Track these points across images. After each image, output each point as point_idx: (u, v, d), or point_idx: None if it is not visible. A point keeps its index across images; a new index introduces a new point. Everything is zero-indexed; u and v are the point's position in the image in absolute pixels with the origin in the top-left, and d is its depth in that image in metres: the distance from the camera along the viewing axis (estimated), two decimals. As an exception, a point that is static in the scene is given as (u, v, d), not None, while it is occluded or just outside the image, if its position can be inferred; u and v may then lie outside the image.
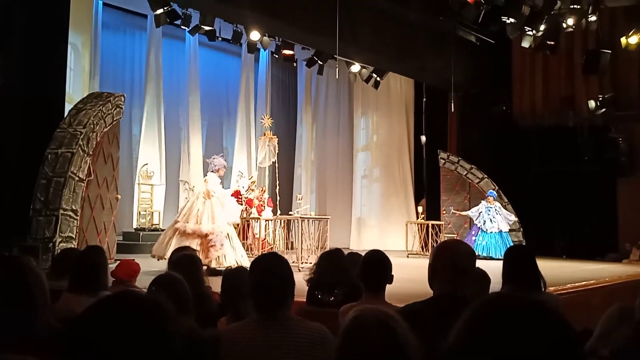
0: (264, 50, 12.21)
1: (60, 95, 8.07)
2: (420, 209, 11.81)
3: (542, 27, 9.61)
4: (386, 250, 11.97)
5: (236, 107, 12.60)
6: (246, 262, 6.94)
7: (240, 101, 12.54)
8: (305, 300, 3.58)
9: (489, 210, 10.59)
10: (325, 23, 9.16)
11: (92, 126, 7.33)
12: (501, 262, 2.98)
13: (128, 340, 0.86)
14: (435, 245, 10.86)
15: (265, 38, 10.33)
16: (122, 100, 7.99)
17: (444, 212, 11.92)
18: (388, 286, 2.88)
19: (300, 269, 7.46)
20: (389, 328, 1.25)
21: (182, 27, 10.10)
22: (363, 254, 3.26)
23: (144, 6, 9.52)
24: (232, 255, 7.19)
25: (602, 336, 2.01)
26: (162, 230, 10.40)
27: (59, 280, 3.69)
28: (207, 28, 9.72)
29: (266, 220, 9.53)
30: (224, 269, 6.90)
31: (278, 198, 10.54)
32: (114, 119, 7.86)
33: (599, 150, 11.41)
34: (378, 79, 11.74)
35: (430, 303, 1.97)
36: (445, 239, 11.04)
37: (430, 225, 11.27)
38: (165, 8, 9.05)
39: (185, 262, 3.28)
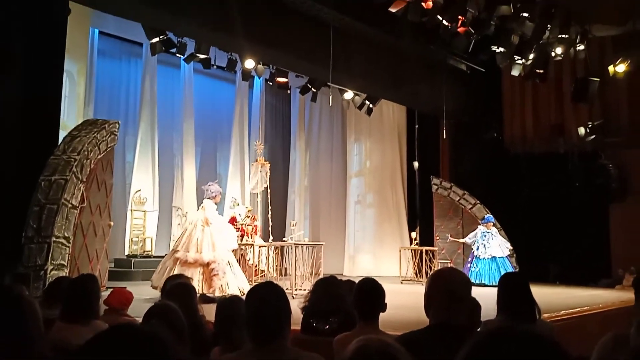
0: (258, 78, 12.35)
1: (55, 122, 8.09)
2: (413, 234, 11.81)
3: (531, 56, 9.81)
4: (380, 276, 11.90)
5: (230, 134, 12.66)
6: (247, 288, 6.88)
7: (234, 128, 12.61)
8: (299, 328, 3.56)
9: (484, 236, 10.56)
10: (319, 51, 9.31)
11: (86, 153, 7.33)
12: (492, 288, 2.98)
13: None
14: (429, 271, 10.88)
15: (260, 66, 10.46)
16: (117, 127, 8.02)
17: (438, 237, 11.93)
18: (383, 313, 2.87)
19: (294, 295, 7.41)
20: (392, 357, 1.25)
21: (177, 55, 10.22)
22: (357, 280, 3.26)
23: (140, 34, 9.64)
24: (234, 282, 7.13)
25: (597, 365, 2.01)
26: (155, 257, 10.35)
27: (51, 309, 3.66)
28: (202, 56, 9.83)
29: (259, 247, 9.49)
30: (217, 296, 6.86)
31: (270, 224, 10.52)
32: (108, 145, 7.87)
33: (589, 176, 11.53)
34: (371, 106, 11.88)
35: (426, 332, 1.97)
36: (439, 264, 11.03)
37: (423, 251, 11.27)
38: (160, 37, 9.18)
39: (180, 290, 3.26)
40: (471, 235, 10.79)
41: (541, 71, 10.26)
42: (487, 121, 12.56)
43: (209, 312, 3.32)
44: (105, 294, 4.31)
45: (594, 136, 11.22)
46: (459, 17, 8.41)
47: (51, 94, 7.84)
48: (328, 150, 14.16)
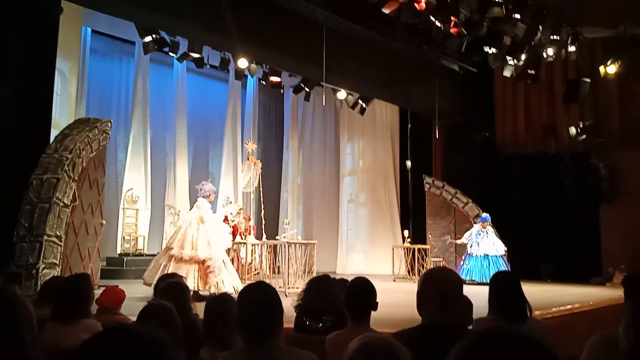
0: (252, 77, 12.33)
1: (47, 120, 8.05)
2: (406, 233, 11.86)
3: (523, 57, 9.86)
4: (372, 274, 11.93)
5: (223, 133, 12.64)
6: (241, 288, 6.88)
7: (227, 127, 12.59)
8: (293, 326, 3.57)
9: (479, 234, 10.56)
10: (312, 51, 9.32)
11: (78, 152, 7.31)
12: (484, 286, 3.01)
13: None
14: (421, 269, 10.93)
15: (253, 65, 10.45)
16: (109, 126, 7.99)
17: (430, 236, 11.98)
18: (374, 312, 2.89)
19: (287, 294, 7.42)
20: (394, 356, 1.26)
21: (170, 54, 10.18)
22: (350, 279, 3.28)
23: (133, 33, 9.61)
24: (229, 280, 7.14)
25: (586, 364, 2.04)
26: (147, 255, 10.32)
27: (44, 308, 3.65)
28: (195, 55, 9.81)
29: (252, 245, 9.50)
30: (212, 293, 6.86)
31: (263, 222, 10.53)
32: (100, 144, 7.85)
33: (580, 176, 11.63)
34: (364, 105, 11.91)
35: (418, 331, 1.99)
36: (432, 262, 11.09)
37: (416, 249, 11.31)
38: (153, 36, 9.14)
39: (174, 289, 3.26)
40: (467, 234, 10.81)
41: (533, 72, 10.33)
42: (479, 121, 12.62)
43: (203, 310, 3.32)
44: (97, 292, 4.31)
45: (584, 137, 11.31)
46: (452, 18, 8.44)
47: (43, 92, 7.80)
48: (321, 150, 14.17)
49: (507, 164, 12.18)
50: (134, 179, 10.92)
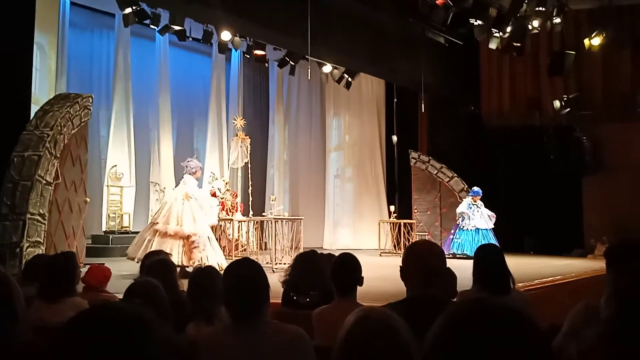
0: (235, 51, 12.14)
1: (26, 96, 7.87)
2: (392, 208, 11.92)
3: (508, 29, 9.83)
4: (359, 249, 12.01)
5: (207, 108, 12.49)
6: (225, 265, 6.90)
7: (211, 102, 12.44)
8: (280, 301, 3.59)
9: (470, 207, 10.51)
10: (297, 24, 9.18)
11: (59, 128, 7.18)
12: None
13: (112, 355, 0.85)
14: (407, 243, 11.03)
15: (237, 38, 10.27)
16: (90, 101, 7.84)
17: (416, 210, 12.07)
18: (360, 287, 2.91)
19: (275, 269, 7.46)
20: (392, 328, 1.26)
21: (151, 26, 9.97)
22: (337, 254, 3.30)
23: (112, 5, 9.35)
24: (214, 256, 7.17)
25: (569, 334, 2.08)
26: (132, 232, 10.27)
27: (28, 287, 3.63)
28: (177, 28, 9.60)
29: (239, 222, 9.49)
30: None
31: (251, 199, 10.51)
32: (82, 120, 7.71)
33: (564, 149, 11.73)
34: (349, 79, 11.81)
35: (402, 304, 2.01)
36: (418, 237, 11.19)
37: (402, 224, 11.40)
38: (133, 7, 8.91)
39: (161, 266, 3.25)
40: (458, 211, 10.61)
41: (518, 44, 10.31)
42: (464, 95, 12.62)
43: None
44: (83, 270, 4.28)
45: (568, 109, 11.37)
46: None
47: (21, 67, 7.62)
48: (307, 125, 14.09)
49: (492, 137, 12.23)
50: (118, 155, 10.79)
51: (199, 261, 7.01)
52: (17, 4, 7.34)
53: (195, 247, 7.02)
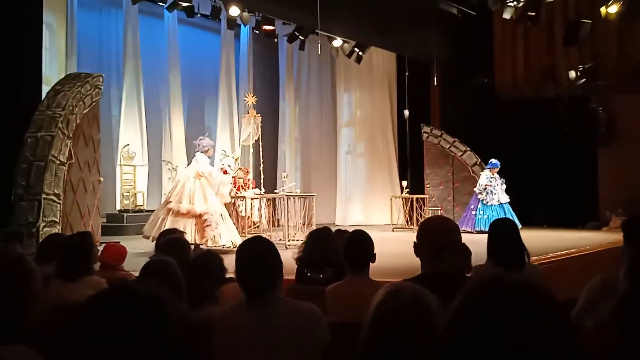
0: (244, 27, 12.03)
1: (37, 76, 7.89)
2: (404, 183, 11.87)
3: (522, -2, 9.60)
4: (371, 224, 11.98)
5: (217, 86, 12.44)
6: (239, 241, 6.95)
7: (221, 79, 12.38)
8: (294, 278, 3.61)
9: (491, 181, 10.22)
10: (306, -2, 9.04)
11: (71, 108, 7.20)
12: None
13: (128, 335, 0.86)
14: (420, 219, 11.01)
15: (245, 13, 10.17)
16: (101, 80, 7.85)
17: (428, 185, 12.01)
18: (372, 263, 2.91)
19: (288, 246, 7.51)
20: (424, 302, 1.25)
21: (159, 3, 9.89)
22: (350, 230, 3.29)
23: (119, -17, 9.29)
24: (227, 234, 7.22)
25: (586, 308, 2.07)
26: (147, 211, 10.37)
27: (45, 266, 3.68)
28: (185, 4, 9.53)
29: (251, 199, 9.53)
30: (210, 247, 6.94)
31: (262, 176, 10.52)
32: (93, 100, 7.73)
33: (579, 120, 11.54)
34: (360, 53, 11.66)
35: (416, 281, 2.00)
36: (430, 212, 11.17)
37: (414, 199, 11.37)
38: (141, -16, 8.84)
39: (175, 245, 3.28)
40: (479, 186, 10.32)
41: (533, 14, 10.07)
42: (477, 67, 12.41)
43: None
44: (99, 248, 4.34)
45: (584, 80, 11.15)
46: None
47: (31, 47, 7.61)
48: (317, 101, 14.00)
49: (506, 109, 12.06)
50: (129, 134, 10.84)
51: (211, 239, 7.06)
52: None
53: (207, 226, 7.06)
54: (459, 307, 0.83)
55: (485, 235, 3.13)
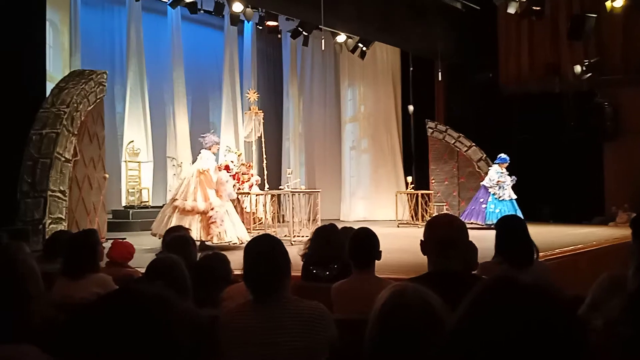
0: (248, 23, 12.00)
1: (41, 74, 7.90)
2: (409, 178, 11.85)
3: (527, -7, 9.53)
4: (376, 220, 11.96)
5: (221, 82, 12.44)
6: (246, 238, 6.95)
7: (224, 75, 12.38)
8: (300, 275, 3.61)
9: (501, 176, 10.08)
10: (310, -7, 9.01)
11: (75, 105, 7.21)
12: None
13: (134, 338, 0.86)
14: (425, 214, 10.99)
15: (249, 9, 10.14)
16: (105, 77, 7.85)
17: (433, 181, 11.98)
18: (379, 260, 2.90)
19: (293, 242, 7.51)
20: (428, 304, 1.24)
21: (162, 0, 9.87)
22: (355, 227, 3.28)
23: (123, -20, 9.28)
24: (233, 231, 7.21)
25: (593, 306, 2.06)
26: (152, 207, 10.40)
27: (51, 263, 3.69)
28: (187, 0, 9.51)
29: (256, 195, 9.53)
30: (215, 244, 6.94)
31: (266, 172, 10.53)
32: (98, 97, 7.74)
33: (584, 115, 11.47)
34: (364, 48, 11.63)
35: (423, 280, 1.99)
36: (435, 207, 11.14)
37: (419, 194, 11.35)
38: (144, -19, 8.82)
39: (181, 243, 3.28)
40: (489, 181, 10.16)
41: (537, 8, 10.01)
42: (482, 62, 12.35)
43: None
44: (105, 245, 4.35)
45: (589, 74, 11.08)
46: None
47: (35, 44, 7.62)
48: (321, 96, 13.97)
49: (510, 104, 12.00)
50: (134, 131, 10.85)
51: (217, 236, 7.06)
52: (28, -20, 7.30)
53: (212, 222, 7.07)
54: (468, 308, 0.83)
55: (476, 230, 3.11)
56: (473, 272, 2.61)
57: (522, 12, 10.22)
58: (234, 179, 9.43)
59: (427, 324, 1.20)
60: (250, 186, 9.77)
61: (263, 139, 10.49)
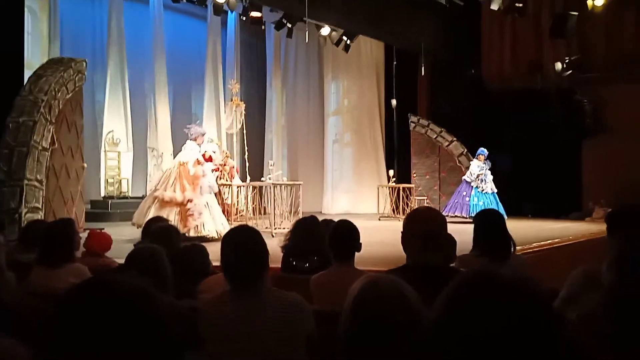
0: (231, 13, 11.89)
1: (19, 61, 7.73)
2: (391, 172, 11.90)
3: (511, -11, 9.60)
4: (358, 213, 11.98)
5: (204, 73, 12.31)
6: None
7: (207, 66, 12.25)
8: (279, 267, 3.60)
9: (482, 169, 10.20)
10: (294, -16, 8.96)
11: (53, 93, 7.08)
12: None
13: (111, 329, 0.84)
14: (406, 208, 11.05)
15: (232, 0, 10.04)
16: (84, 65, 7.72)
17: (415, 175, 12.05)
18: (358, 253, 2.91)
19: (274, 234, 7.49)
20: (402, 294, 1.24)
21: (144, -12, 9.73)
22: (336, 219, 3.28)
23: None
24: (212, 224, 7.12)
25: (568, 299, 2.08)
26: (131, 198, 10.29)
27: (27, 253, 3.63)
28: (171, -11, 9.38)
29: (237, 187, 9.48)
30: (192, 236, 6.88)
31: (247, 164, 10.47)
32: (76, 85, 7.61)
33: (565, 112, 11.63)
34: (348, 42, 11.60)
35: (401, 271, 2.00)
36: (416, 201, 11.22)
37: (401, 188, 11.41)
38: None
39: (165, 233, 3.25)
40: (470, 175, 10.26)
41: (520, 5, 10.08)
42: (465, 58, 12.43)
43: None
44: (83, 235, 4.29)
45: (570, 72, 11.22)
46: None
47: (13, 31, 7.45)
48: (305, 89, 13.93)
49: (493, 101, 12.11)
50: (114, 121, 10.70)
51: (194, 229, 6.97)
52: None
53: (190, 215, 6.98)
54: (447, 302, 0.83)
55: (454, 224, 3.14)
56: (451, 265, 2.64)
57: (505, 9, 10.29)
58: (217, 170, 9.35)
59: (401, 315, 1.20)
60: (232, 177, 9.71)
61: (245, 131, 10.43)
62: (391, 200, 11.60)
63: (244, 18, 11.45)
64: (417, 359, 1.08)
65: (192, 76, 12.74)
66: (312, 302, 2.61)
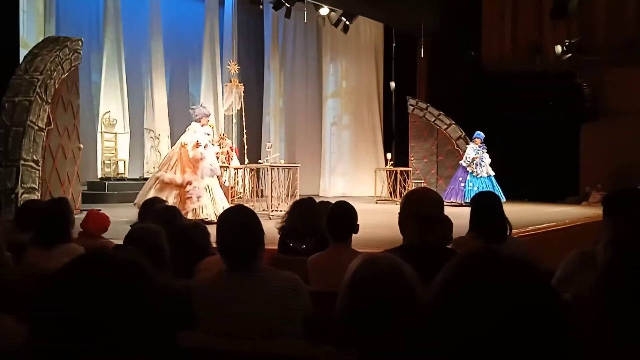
0: (229, -8, 11.76)
1: (14, 39, 7.66)
2: (389, 155, 11.88)
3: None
4: (355, 196, 12.01)
5: (201, 54, 12.20)
6: None
7: (204, 47, 12.14)
8: (276, 248, 3.61)
9: (477, 153, 10.21)
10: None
11: (49, 72, 7.02)
12: None
13: (105, 304, 0.84)
14: (403, 191, 11.05)
15: (230, -21, 9.92)
16: (80, 45, 7.65)
17: (412, 158, 12.03)
18: (355, 234, 2.91)
19: (271, 216, 7.49)
20: (399, 272, 1.24)
21: (141, -34, 9.59)
22: (333, 201, 3.28)
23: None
24: (211, 207, 7.06)
25: (563, 280, 2.09)
26: (128, 179, 10.27)
27: (23, 233, 3.62)
28: (167, -32, 9.26)
29: (235, 169, 9.46)
30: (190, 220, 6.87)
31: (246, 146, 10.43)
32: (72, 64, 7.54)
33: (564, 96, 11.59)
34: (347, 22, 11.49)
35: (398, 251, 2.00)
36: (413, 184, 11.22)
37: (398, 171, 11.41)
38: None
39: (168, 213, 3.24)
40: (466, 158, 10.29)
41: (522, -14, 9.98)
42: (465, 40, 12.33)
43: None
44: (79, 217, 4.28)
45: (570, 55, 11.15)
46: None
47: (8, 9, 7.36)
48: (303, 71, 13.83)
49: (492, 83, 12.05)
50: (110, 101, 10.62)
51: (192, 212, 6.93)
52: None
53: (188, 198, 6.94)
54: (446, 279, 0.82)
55: (453, 207, 3.15)
56: (448, 246, 2.64)
57: (506, -10, 10.19)
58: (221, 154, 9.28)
59: (399, 293, 1.20)
60: (230, 158, 9.67)
61: (243, 112, 10.37)
62: (388, 184, 11.61)
63: (242, -2, 11.32)
64: (414, 336, 1.09)
65: (189, 57, 12.63)
66: (308, 283, 2.62)
